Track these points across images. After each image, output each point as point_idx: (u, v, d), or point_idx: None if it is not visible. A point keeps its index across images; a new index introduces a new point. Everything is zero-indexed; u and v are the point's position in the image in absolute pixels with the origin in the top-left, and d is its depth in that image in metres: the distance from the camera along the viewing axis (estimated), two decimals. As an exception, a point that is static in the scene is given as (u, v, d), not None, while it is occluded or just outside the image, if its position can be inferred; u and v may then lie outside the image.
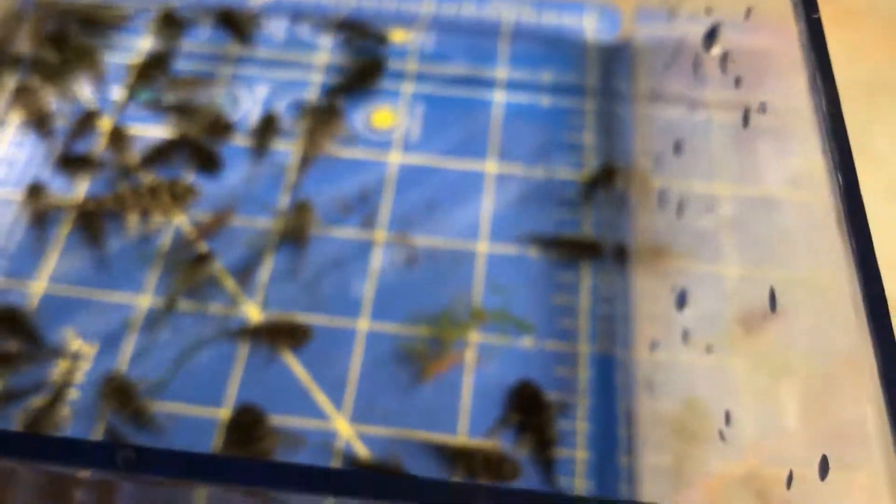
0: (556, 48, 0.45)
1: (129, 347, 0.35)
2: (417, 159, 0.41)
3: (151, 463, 0.14)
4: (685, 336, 0.24)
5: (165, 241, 0.37)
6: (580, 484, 0.32)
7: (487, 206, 0.39)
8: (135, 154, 0.40)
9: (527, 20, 0.46)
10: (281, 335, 0.35)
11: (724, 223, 0.25)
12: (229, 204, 0.38)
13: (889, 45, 0.48)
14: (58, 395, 0.33)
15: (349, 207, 0.39)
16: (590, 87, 0.43)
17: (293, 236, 0.37)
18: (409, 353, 0.35)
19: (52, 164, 0.39)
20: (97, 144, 0.40)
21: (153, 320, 0.35)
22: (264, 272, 0.37)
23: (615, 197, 0.38)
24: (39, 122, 0.40)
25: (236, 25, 0.44)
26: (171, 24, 0.44)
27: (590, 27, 0.45)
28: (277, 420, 0.33)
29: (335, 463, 0.32)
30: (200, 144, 0.40)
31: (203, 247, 0.37)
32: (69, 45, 0.43)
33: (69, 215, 0.38)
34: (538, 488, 0.32)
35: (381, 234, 0.38)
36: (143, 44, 0.44)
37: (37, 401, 0.33)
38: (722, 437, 0.22)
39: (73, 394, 0.33)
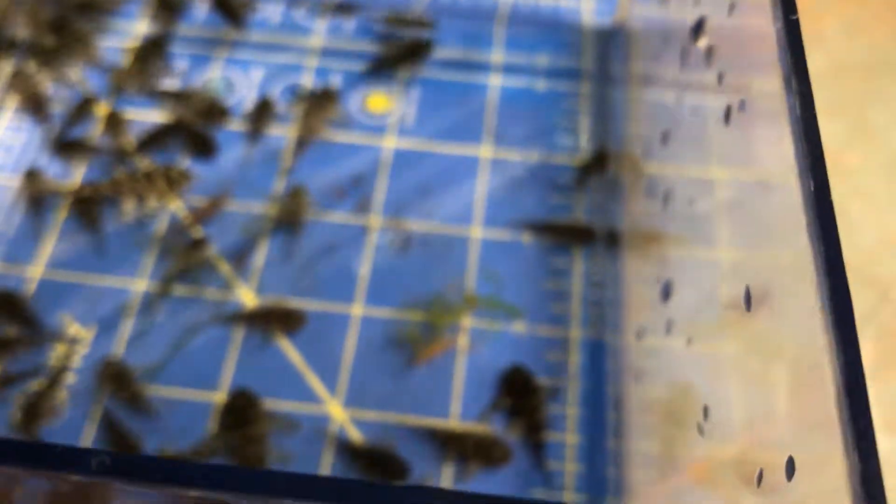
0: (553, 32, 0.45)
1: (125, 332, 0.35)
2: (412, 144, 0.41)
3: (124, 469, 0.14)
4: (669, 327, 0.25)
5: (161, 225, 0.38)
6: (569, 467, 0.32)
7: (482, 190, 0.39)
8: (131, 139, 0.40)
9: (524, 3, 0.46)
10: (275, 320, 0.35)
11: (714, 209, 0.25)
12: (224, 189, 0.39)
13: (891, 22, 0.48)
14: (55, 379, 0.34)
15: (343, 192, 0.39)
16: (585, 71, 0.43)
17: (288, 221, 0.38)
18: (403, 338, 0.35)
19: (48, 149, 0.40)
20: (93, 129, 0.40)
21: (149, 305, 0.36)
22: (259, 257, 0.37)
23: (608, 182, 0.38)
24: (36, 108, 0.41)
25: (231, 9, 0.44)
26: (167, 8, 0.44)
27: (587, 10, 0.45)
28: (271, 404, 0.33)
29: (328, 447, 0.32)
30: (196, 129, 0.40)
31: (198, 231, 0.38)
32: (66, 29, 0.43)
33: (66, 200, 0.38)
34: (528, 471, 0.32)
35: (375, 219, 0.38)
36: (138, 28, 0.44)
37: (35, 385, 0.33)
38: (700, 430, 0.22)
39: (71, 378, 0.34)
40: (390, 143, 0.41)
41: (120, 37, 0.43)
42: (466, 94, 0.42)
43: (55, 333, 0.35)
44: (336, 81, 0.43)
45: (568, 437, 0.33)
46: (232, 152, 0.40)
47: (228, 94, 0.42)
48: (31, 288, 0.36)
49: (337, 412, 0.33)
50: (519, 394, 0.33)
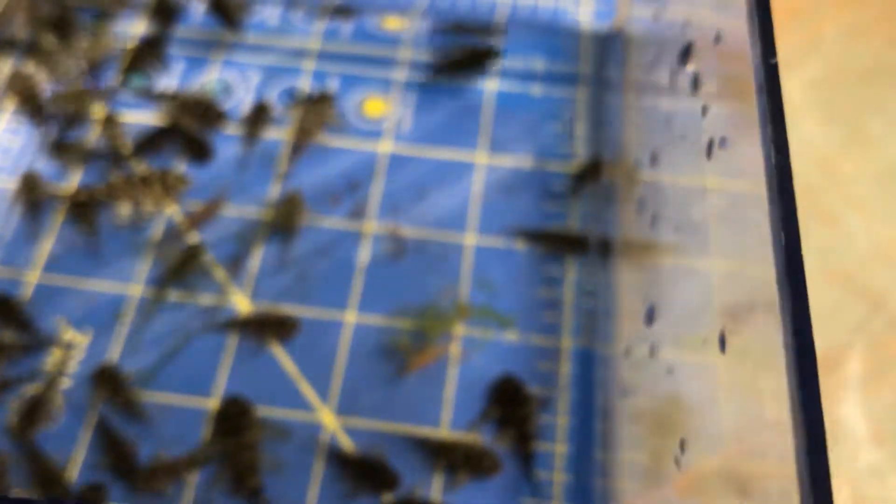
0: (550, 36, 0.45)
1: (120, 337, 0.35)
2: (408, 149, 0.41)
3: None
4: (652, 350, 0.25)
5: (157, 230, 0.38)
6: (558, 477, 0.32)
7: (476, 196, 0.39)
8: (127, 142, 0.40)
9: (522, 6, 0.45)
10: (269, 327, 0.35)
11: (707, 218, 0.25)
12: (220, 193, 0.39)
13: (889, 28, 0.48)
14: (51, 383, 0.34)
15: (338, 197, 0.39)
16: (583, 77, 0.43)
17: (283, 227, 0.38)
18: (395, 347, 0.35)
19: (46, 152, 0.40)
20: (90, 132, 0.41)
21: (144, 310, 0.36)
22: (254, 263, 0.37)
23: (602, 190, 0.38)
24: (34, 110, 0.41)
25: (228, 12, 0.44)
26: (164, 10, 0.44)
27: (585, 14, 0.45)
28: (265, 411, 0.34)
29: (320, 455, 0.33)
30: (192, 133, 0.40)
31: (194, 236, 0.38)
32: (64, 30, 0.43)
33: (63, 204, 0.38)
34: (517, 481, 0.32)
35: (370, 225, 0.38)
36: (135, 29, 0.44)
37: (31, 389, 0.34)
38: (677, 463, 0.22)
39: (66, 383, 0.34)
40: (386, 148, 0.41)
41: (118, 38, 0.43)
42: (463, 99, 0.42)
43: (51, 338, 0.35)
44: (333, 85, 0.43)
45: (557, 447, 0.33)
46: (228, 156, 0.40)
47: (225, 97, 0.42)
48: (27, 292, 0.36)
49: (329, 420, 0.34)
50: (509, 404, 0.33)
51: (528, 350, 0.35)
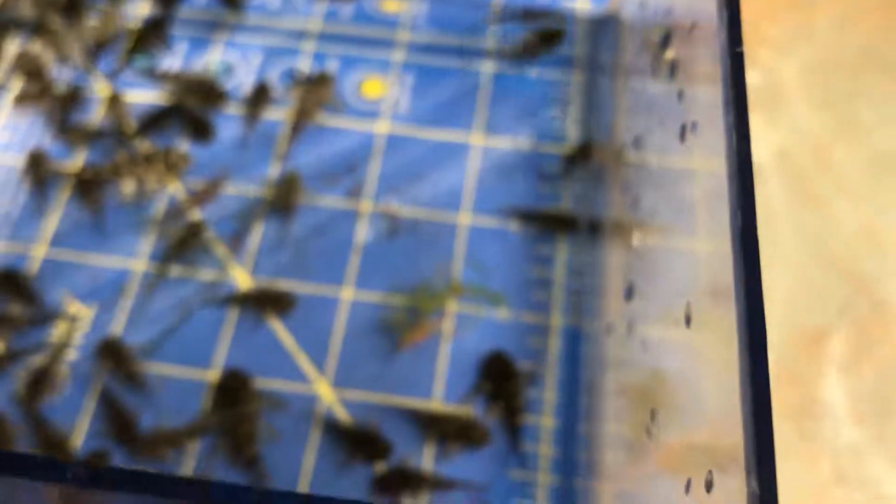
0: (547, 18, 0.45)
1: (124, 311, 0.36)
2: (405, 130, 0.42)
3: (101, 480, 0.16)
4: (630, 327, 0.26)
5: (160, 208, 0.39)
6: (545, 450, 0.33)
7: (471, 177, 0.40)
8: (131, 122, 0.41)
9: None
10: (268, 302, 0.36)
11: (691, 200, 0.26)
12: (221, 172, 0.40)
13: (882, 16, 0.48)
14: (57, 355, 0.35)
15: (336, 177, 0.40)
16: (578, 59, 0.44)
17: (281, 206, 0.39)
18: (389, 322, 0.36)
19: (52, 131, 0.41)
20: (95, 111, 0.42)
21: (147, 285, 0.37)
22: (254, 240, 0.38)
23: (592, 172, 0.39)
24: (40, 89, 0.42)
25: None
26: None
27: (581, -3, 0.46)
28: (263, 383, 0.35)
29: (316, 426, 0.34)
30: (194, 113, 0.41)
31: (196, 214, 0.39)
32: (70, 11, 0.44)
33: (68, 182, 0.39)
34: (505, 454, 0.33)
35: (366, 205, 0.39)
36: (139, 10, 0.45)
37: (37, 361, 0.35)
38: (648, 433, 0.23)
39: (71, 355, 0.35)
40: (383, 129, 0.42)
41: (123, 19, 0.44)
42: (459, 81, 0.43)
43: (57, 311, 0.36)
44: (332, 66, 0.44)
45: (544, 420, 0.34)
46: (229, 136, 0.41)
47: (227, 77, 0.43)
48: (34, 267, 0.37)
49: (325, 392, 0.35)
50: (499, 378, 0.35)
51: (519, 327, 0.36)
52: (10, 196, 0.39)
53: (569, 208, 0.39)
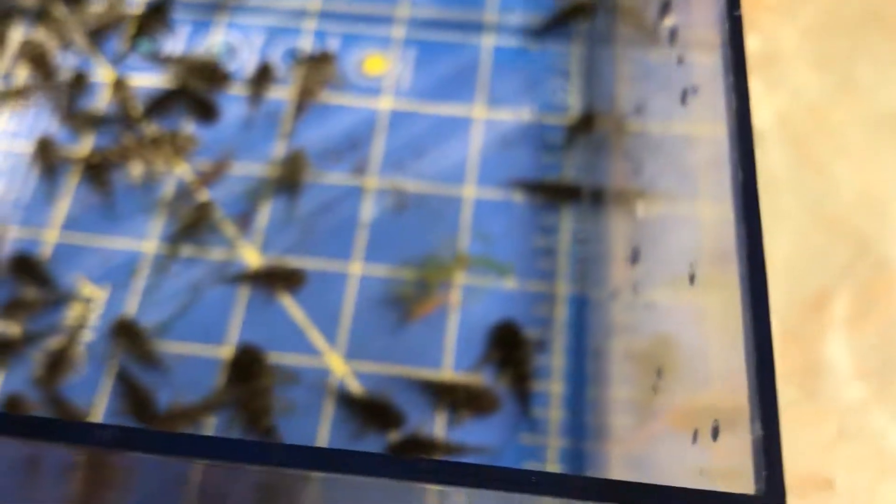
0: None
1: (137, 291, 0.37)
2: (408, 105, 0.42)
3: (133, 441, 0.16)
4: (635, 289, 0.26)
5: (169, 189, 0.40)
6: (554, 415, 0.34)
7: (475, 150, 0.41)
8: (137, 106, 0.42)
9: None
10: (278, 279, 0.37)
11: (683, 166, 0.27)
12: (228, 152, 0.40)
13: (882, -24, 0.48)
14: (73, 337, 0.36)
15: (341, 154, 0.40)
16: (578, 30, 0.44)
17: (288, 184, 0.39)
18: (398, 296, 0.37)
19: (58, 117, 0.41)
20: (101, 96, 0.42)
21: (159, 265, 0.38)
22: (262, 218, 0.39)
23: (595, 141, 0.40)
24: (45, 75, 0.42)
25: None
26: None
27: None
28: (276, 358, 0.35)
29: (329, 397, 0.35)
30: (199, 95, 0.42)
31: (204, 194, 0.39)
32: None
33: (77, 167, 0.40)
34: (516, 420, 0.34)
35: (371, 181, 0.40)
36: (141, -6, 0.45)
37: (54, 343, 0.36)
38: (655, 390, 0.24)
39: (87, 335, 0.36)
40: (386, 105, 0.42)
41: (126, 4, 0.45)
42: (461, 55, 0.44)
43: (71, 294, 0.37)
44: (334, 44, 0.44)
45: (553, 386, 0.35)
46: (234, 116, 0.42)
47: (230, 58, 0.43)
48: (47, 250, 0.38)
49: (337, 365, 0.35)
50: (508, 347, 0.35)
51: (525, 296, 0.37)
52: (21, 182, 0.40)
53: (572, 178, 0.40)
